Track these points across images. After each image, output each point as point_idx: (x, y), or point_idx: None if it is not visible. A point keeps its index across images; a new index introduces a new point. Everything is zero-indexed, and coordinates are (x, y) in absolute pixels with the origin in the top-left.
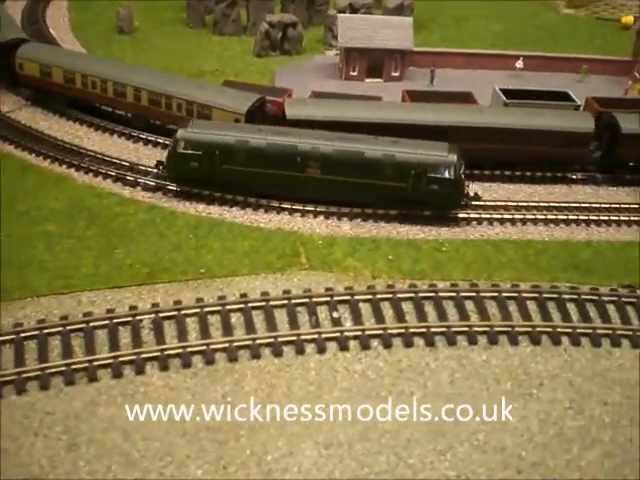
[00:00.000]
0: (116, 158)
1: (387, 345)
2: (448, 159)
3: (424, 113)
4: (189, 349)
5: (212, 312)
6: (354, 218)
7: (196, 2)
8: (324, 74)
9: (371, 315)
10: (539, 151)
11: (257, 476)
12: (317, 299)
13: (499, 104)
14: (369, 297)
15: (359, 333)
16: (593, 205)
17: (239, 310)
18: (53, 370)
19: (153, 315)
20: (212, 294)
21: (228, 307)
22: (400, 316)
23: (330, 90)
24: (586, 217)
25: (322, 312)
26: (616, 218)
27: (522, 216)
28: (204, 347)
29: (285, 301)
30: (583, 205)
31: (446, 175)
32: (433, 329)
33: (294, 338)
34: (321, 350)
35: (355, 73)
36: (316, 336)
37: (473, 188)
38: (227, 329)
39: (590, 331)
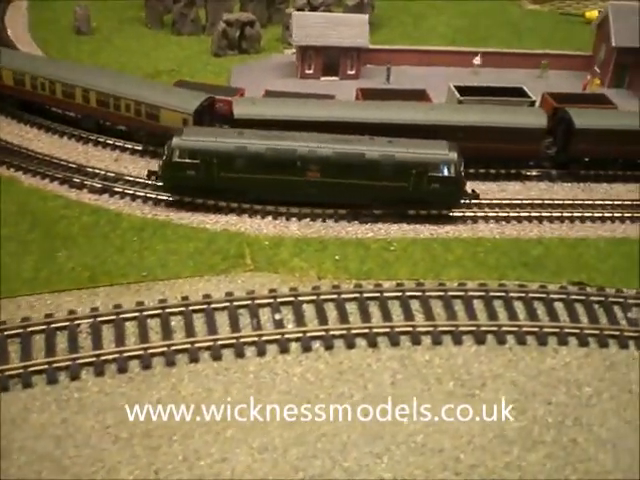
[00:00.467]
0: (64, 160)
1: (329, 347)
2: (448, 157)
3: (375, 111)
4: (126, 354)
5: (152, 316)
6: (303, 218)
7: (154, 2)
8: (281, 73)
9: (314, 316)
10: (491, 148)
11: None
12: (260, 301)
13: (453, 101)
14: (313, 298)
15: (300, 335)
16: (546, 202)
17: (179, 313)
18: None
19: (91, 320)
20: (153, 297)
21: (168, 310)
22: (343, 317)
23: (285, 89)
24: (538, 214)
25: (265, 314)
26: (569, 215)
27: (473, 214)
28: (141, 352)
29: (227, 303)
30: (536, 202)
31: (447, 173)
32: (376, 330)
33: (234, 341)
34: (261, 353)
35: (311, 71)
36: (256, 339)
37: None
38: (166, 333)
39: (537, 329)
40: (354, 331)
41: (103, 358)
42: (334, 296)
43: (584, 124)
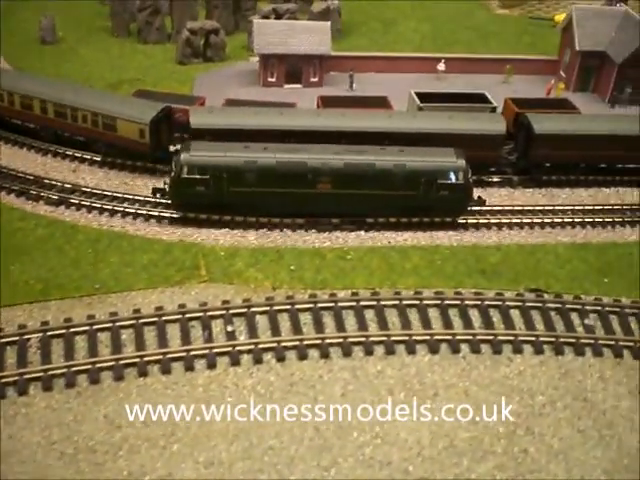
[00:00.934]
0: (22, 172)
1: (280, 358)
2: (457, 164)
3: (333, 119)
4: (74, 368)
5: (102, 329)
6: (260, 228)
7: (120, 10)
8: (245, 81)
9: (267, 328)
10: None
11: None
12: (212, 312)
13: (414, 108)
14: (266, 309)
15: (252, 347)
16: (506, 208)
17: (130, 326)
18: None
19: (41, 334)
20: (105, 310)
21: (119, 324)
22: (297, 328)
23: (248, 97)
24: (497, 220)
25: (217, 326)
26: (529, 220)
27: (430, 220)
28: (90, 366)
29: (179, 316)
30: (495, 208)
31: (455, 180)
32: (329, 340)
33: (184, 354)
34: (211, 366)
35: (274, 79)
36: (207, 351)
37: None
38: (116, 347)
39: (491, 337)
40: (306, 342)
41: (51, 373)
42: (288, 307)
43: (544, 129)
